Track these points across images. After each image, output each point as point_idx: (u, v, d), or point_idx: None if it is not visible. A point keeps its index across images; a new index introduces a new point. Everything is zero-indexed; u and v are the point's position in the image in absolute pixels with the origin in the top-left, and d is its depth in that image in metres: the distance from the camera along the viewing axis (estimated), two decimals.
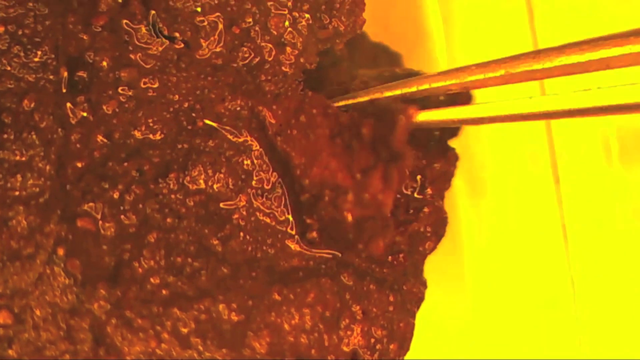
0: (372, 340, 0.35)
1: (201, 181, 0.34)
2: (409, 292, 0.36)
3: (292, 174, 0.35)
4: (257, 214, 0.35)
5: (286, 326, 0.34)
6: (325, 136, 0.35)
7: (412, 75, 0.37)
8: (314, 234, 0.35)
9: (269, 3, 0.35)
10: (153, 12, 0.35)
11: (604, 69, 0.31)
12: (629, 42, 0.30)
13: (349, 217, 0.34)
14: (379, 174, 0.34)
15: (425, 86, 0.34)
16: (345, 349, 0.35)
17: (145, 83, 0.35)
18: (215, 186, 0.35)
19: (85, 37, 0.35)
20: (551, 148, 0.46)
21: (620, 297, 0.45)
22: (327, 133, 0.35)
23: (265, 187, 0.35)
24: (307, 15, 0.35)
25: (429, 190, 0.37)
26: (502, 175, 0.47)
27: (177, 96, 0.35)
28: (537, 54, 0.32)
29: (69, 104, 0.35)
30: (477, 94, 0.37)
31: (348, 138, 0.34)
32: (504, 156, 0.47)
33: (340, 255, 0.35)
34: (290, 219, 0.35)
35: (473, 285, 0.48)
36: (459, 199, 0.47)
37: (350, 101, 0.36)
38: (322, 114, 0.35)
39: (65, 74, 0.35)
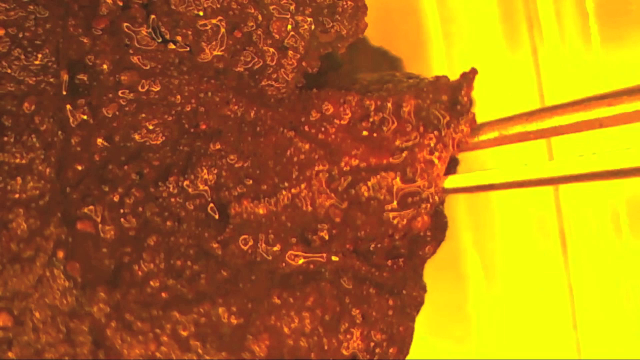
0: (372, 344, 0.35)
1: (200, 185, 0.34)
2: (409, 296, 0.36)
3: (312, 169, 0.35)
4: (259, 218, 0.35)
5: (286, 330, 0.34)
6: (345, 124, 0.35)
7: (412, 78, 0.37)
8: (323, 235, 0.35)
9: (272, 7, 0.35)
10: (153, 16, 0.35)
11: (597, 128, 0.31)
12: (621, 102, 0.30)
13: (395, 195, 0.34)
14: (426, 147, 0.34)
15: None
16: (344, 352, 0.35)
17: (146, 86, 0.35)
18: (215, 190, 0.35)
19: (85, 40, 0.35)
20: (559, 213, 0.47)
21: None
22: (347, 121, 0.35)
23: (267, 189, 0.35)
24: (309, 19, 0.35)
25: None
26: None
27: (179, 99, 0.35)
28: (530, 115, 0.32)
29: (69, 107, 0.35)
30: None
31: (379, 120, 0.34)
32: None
33: (337, 259, 0.35)
34: (289, 224, 0.35)
35: (474, 292, 0.48)
36: (459, 202, 0.47)
37: None
38: (337, 104, 0.35)
39: (66, 77, 0.35)
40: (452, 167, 0.37)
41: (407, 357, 0.36)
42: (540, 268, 0.47)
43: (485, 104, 0.46)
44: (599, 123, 0.31)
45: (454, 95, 0.35)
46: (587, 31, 0.44)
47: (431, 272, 0.37)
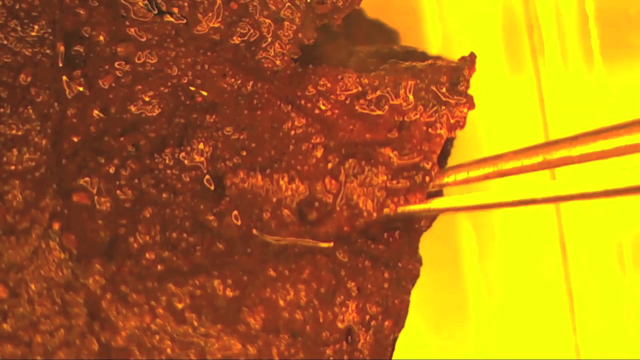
0: (367, 316, 0.35)
1: (196, 156, 0.34)
2: (404, 269, 0.36)
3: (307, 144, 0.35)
4: (254, 190, 0.35)
5: (281, 302, 0.34)
6: (341, 100, 0.35)
7: (409, 52, 0.37)
8: (319, 207, 0.35)
9: None
10: None
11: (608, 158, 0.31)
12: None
13: (390, 169, 0.34)
14: (423, 125, 0.34)
15: (464, 174, 0.34)
16: (340, 325, 0.35)
17: (142, 57, 0.35)
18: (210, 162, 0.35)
19: (82, 12, 0.35)
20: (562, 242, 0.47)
21: None
22: (344, 97, 0.35)
23: (263, 161, 0.35)
24: None
25: None
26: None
27: (175, 71, 0.35)
28: (574, 139, 0.32)
29: (65, 79, 0.35)
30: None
31: (376, 98, 0.34)
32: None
33: (331, 246, 0.35)
34: (289, 189, 0.35)
35: (473, 294, 0.48)
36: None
37: None
38: (333, 81, 0.35)
39: (62, 48, 0.35)
40: (447, 144, 0.37)
41: (407, 358, 0.36)
42: (540, 271, 0.47)
43: (487, 121, 0.46)
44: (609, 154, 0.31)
45: (454, 77, 0.35)
46: (589, 51, 0.44)
47: (431, 272, 0.37)
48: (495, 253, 0.48)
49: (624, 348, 0.45)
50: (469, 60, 0.35)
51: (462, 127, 0.35)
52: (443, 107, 0.35)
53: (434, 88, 0.35)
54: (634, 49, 0.45)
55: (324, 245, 0.35)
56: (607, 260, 0.46)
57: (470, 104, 0.35)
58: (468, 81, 0.35)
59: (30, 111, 0.34)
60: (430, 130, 0.35)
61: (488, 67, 0.46)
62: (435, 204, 0.35)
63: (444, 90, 0.35)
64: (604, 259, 0.46)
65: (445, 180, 0.35)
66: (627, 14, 0.44)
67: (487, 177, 0.34)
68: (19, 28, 0.35)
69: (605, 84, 0.44)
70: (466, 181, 0.34)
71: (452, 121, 0.35)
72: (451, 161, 0.37)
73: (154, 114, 0.35)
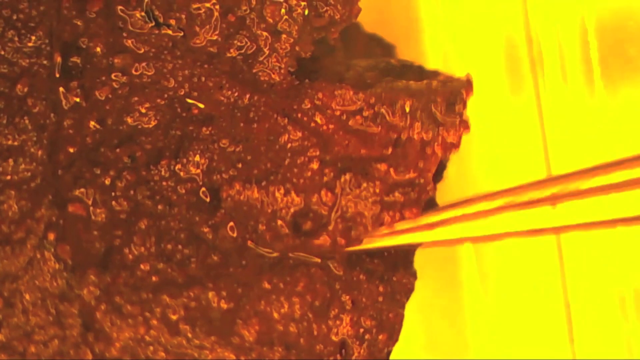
0: (361, 330, 0.35)
1: (191, 168, 0.34)
2: (399, 283, 0.36)
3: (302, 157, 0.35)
4: (250, 202, 0.35)
5: (275, 315, 0.34)
6: (337, 115, 0.35)
7: (406, 66, 0.37)
8: (314, 217, 0.35)
9: None
10: None
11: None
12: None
13: (386, 185, 0.34)
14: (418, 143, 0.34)
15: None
16: (334, 338, 0.35)
17: (139, 69, 0.35)
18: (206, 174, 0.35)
19: (79, 23, 0.35)
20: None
21: None
22: (339, 113, 0.35)
23: (258, 174, 0.35)
24: (303, 3, 0.35)
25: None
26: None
27: (172, 83, 0.35)
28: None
29: (62, 89, 0.35)
30: None
31: (371, 114, 0.34)
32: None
33: (319, 261, 0.35)
34: (284, 201, 0.35)
35: (469, 302, 0.48)
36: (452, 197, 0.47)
37: None
38: (330, 96, 0.35)
39: (59, 59, 0.35)
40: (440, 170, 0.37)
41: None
42: (538, 280, 0.47)
43: (487, 145, 0.46)
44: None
45: (450, 98, 0.35)
46: (590, 74, 0.44)
47: (426, 286, 0.37)
48: (493, 257, 0.48)
49: (620, 354, 0.45)
50: (467, 82, 0.35)
51: (457, 147, 0.35)
52: (438, 128, 0.35)
53: (430, 108, 0.35)
54: (635, 64, 0.45)
55: (316, 259, 0.35)
56: (605, 264, 0.45)
57: (466, 126, 0.35)
58: (465, 102, 0.35)
59: (27, 122, 0.34)
60: (425, 149, 0.35)
61: (487, 84, 0.46)
62: (432, 235, 0.35)
63: (440, 110, 0.35)
64: (601, 263, 0.46)
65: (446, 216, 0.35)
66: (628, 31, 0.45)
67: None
68: (16, 38, 0.35)
69: (605, 102, 0.44)
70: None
71: (447, 141, 0.35)
72: (450, 177, 0.38)
73: (150, 126, 0.35)
